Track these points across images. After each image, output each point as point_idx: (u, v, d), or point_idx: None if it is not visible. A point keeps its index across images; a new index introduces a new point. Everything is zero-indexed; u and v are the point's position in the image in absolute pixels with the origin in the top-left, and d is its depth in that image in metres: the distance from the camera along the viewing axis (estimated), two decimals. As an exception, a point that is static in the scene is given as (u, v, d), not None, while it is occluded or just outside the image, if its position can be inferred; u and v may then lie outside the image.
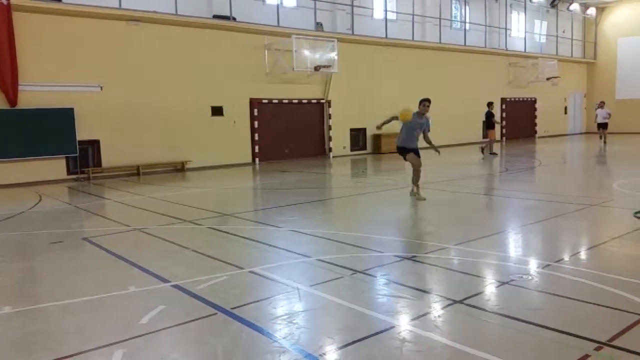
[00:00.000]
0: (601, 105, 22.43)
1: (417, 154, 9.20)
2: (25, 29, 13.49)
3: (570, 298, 4.19)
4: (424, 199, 9.03)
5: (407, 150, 9.20)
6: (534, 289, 4.49)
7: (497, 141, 19.56)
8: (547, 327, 3.59)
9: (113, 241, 6.90)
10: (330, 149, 20.23)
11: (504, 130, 27.34)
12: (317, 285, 4.72)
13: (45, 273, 5.72)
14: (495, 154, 18.73)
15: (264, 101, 18.22)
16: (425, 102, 9.06)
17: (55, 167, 14.35)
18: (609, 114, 22.09)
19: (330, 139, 20.24)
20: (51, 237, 7.22)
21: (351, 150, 20.80)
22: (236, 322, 3.90)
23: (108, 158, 15.10)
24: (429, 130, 9.21)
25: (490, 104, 19.19)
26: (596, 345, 3.30)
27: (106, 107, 14.84)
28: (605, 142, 21.83)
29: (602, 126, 22.21)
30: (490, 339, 3.56)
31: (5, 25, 13.02)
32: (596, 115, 22.50)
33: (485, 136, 19.91)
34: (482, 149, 19.09)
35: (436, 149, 9.44)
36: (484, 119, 19.71)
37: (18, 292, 5.00)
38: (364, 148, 21.30)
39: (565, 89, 30.15)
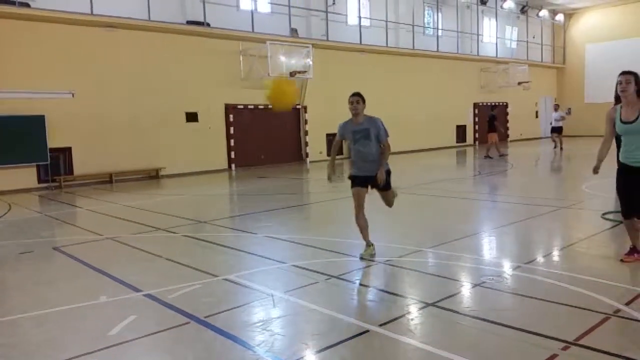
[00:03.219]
0: (555, 107, 21.43)
1: (386, 186, 5.79)
2: (-8, 35, 13.19)
3: (539, 299, 4.28)
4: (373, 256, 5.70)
5: (366, 181, 5.70)
6: (505, 291, 4.57)
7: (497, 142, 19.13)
8: (516, 328, 3.66)
9: (85, 250, 6.77)
10: (307, 154, 20.26)
11: (476, 135, 27.78)
12: (291, 291, 4.72)
13: (14, 284, 5.58)
14: (491, 157, 18.59)
15: (239, 107, 18.16)
16: (352, 99, 5.68)
17: (25, 175, 14.03)
18: (563, 117, 20.80)
19: (306, 144, 20.28)
20: (20, 247, 7.05)
21: (328, 155, 20.86)
22: (209, 330, 3.87)
23: (80, 166, 14.83)
24: (385, 138, 5.74)
25: (494, 108, 19.29)
26: (563, 344, 3.38)
27: (78, 114, 14.58)
28: (561, 148, 20.49)
29: (556, 130, 20.77)
30: (462, 340, 3.61)
31: (-29, 31, 12.71)
32: (552, 120, 21.33)
33: (487, 139, 19.47)
34: (486, 156, 18.80)
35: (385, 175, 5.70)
36: (487, 121, 19.50)
37: (-15, 304, 4.87)
38: (341, 153, 21.38)
39: (536, 93, 30.83)
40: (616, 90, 5.04)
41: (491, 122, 19.05)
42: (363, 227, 5.77)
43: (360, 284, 4.91)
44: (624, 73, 4.95)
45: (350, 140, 5.82)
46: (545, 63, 32.37)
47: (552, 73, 33.32)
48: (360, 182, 5.79)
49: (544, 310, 4.07)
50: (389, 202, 6.17)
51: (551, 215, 8.02)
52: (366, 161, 5.74)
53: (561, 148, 20.65)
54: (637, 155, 4.90)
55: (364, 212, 5.74)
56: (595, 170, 5.37)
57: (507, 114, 29.44)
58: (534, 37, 31.62)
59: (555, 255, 5.89)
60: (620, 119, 4.97)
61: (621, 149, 5.13)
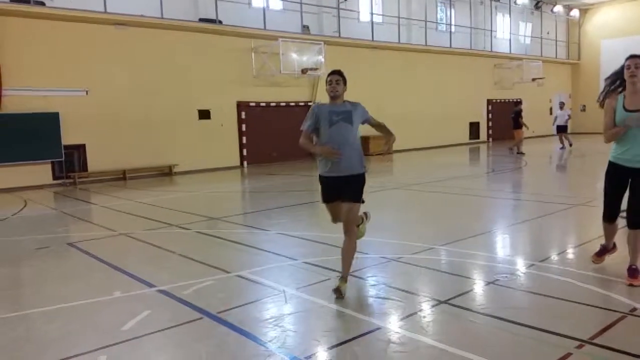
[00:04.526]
0: (561, 105, 20.93)
1: (356, 195, 4.46)
2: (8, 33, 13.34)
3: (554, 297, 4.23)
4: (342, 297, 4.36)
5: (340, 185, 4.48)
6: (518, 289, 4.53)
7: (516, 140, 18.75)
8: (530, 326, 3.62)
9: (99, 246, 6.84)
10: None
11: (490, 132, 27.56)
12: (303, 287, 4.72)
13: (30, 279, 5.65)
14: (519, 153, 18.31)
15: (251, 104, 18.19)
16: (331, 78, 4.57)
17: (40, 172, 14.20)
18: (569, 116, 20.38)
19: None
20: (36, 243, 7.14)
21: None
22: (222, 326, 3.89)
23: (94, 163, 14.97)
24: (372, 121, 4.78)
25: (517, 104, 18.98)
26: (578, 343, 3.34)
27: (92, 112, 14.71)
28: (570, 144, 20.23)
29: (562, 129, 20.46)
30: (475, 338, 3.58)
31: (-12, 29, 12.87)
32: (555, 117, 20.96)
33: (513, 136, 18.85)
34: (511, 149, 18.64)
35: (388, 148, 4.90)
36: (512, 117, 19.05)
37: (2, 298, 4.94)
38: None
39: (550, 90, 30.49)
40: (610, 80, 4.64)
41: (516, 118, 18.67)
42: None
43: (372, 281, 4.90)
44: (633, 56, 4.41)
45: (325, 123, 4.44)
46: (560, 59, 31.99)
47: (567, 69, 32.92)
48: (330, 193, 4.55)
49: (559, 309, 4.03)
50: (349, 223, 4.44)
51: (565, 213, 7.94)
52: (343, 152, 4.37)
53: (570, 144, 20.30)
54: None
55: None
56: (629, 124, 4.37)
57: (520, 110, 29.14)
58: (548, 33, 31.26)
59: (570, 253, 5.83)
60: (624, 107, 4.42)
61: (617, 145, 4.53)
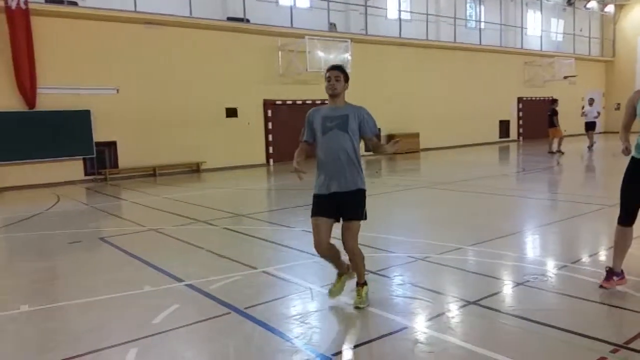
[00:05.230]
0: (590, 102, 19.99)
1: (354, 212, 4.02)
2: (43, 33, 13.69)
3: (586, 299, 4.13)
4: (362, 307, 4.09)
5: (334, 205, 4.01)
6: (549, 290, 4.43)
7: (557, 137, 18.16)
8: (562, 329, 3.54)
9: (129, 241, 6.97)
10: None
11: (520, 130, 27.06)
12: (329, 285, 4.70)
13: (63, 272, 5.81)
14: (555, 152, 17.83)
15: (277, 102, 18.27)
16: (330, 74, 4.04)
17: (72, 168, 14.55)
18: (599, 113, 19.56)
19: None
20: (69, 237, 7.33)
21: (365, 150, 20.73)
22: (249, 321, 3.92)
23: (125, 159, 15.26)
24: (375, 132, 4.17)
25: (554, 102, 18.52)
26: (612, 347, 3.25)
27: (122, 109, 15.00)
28: (591, 144, 19.40)
29: (590, 126, 19.67)
30: (504, 340, 3.52)
31: (23, 29, 13.24)
32: (583, 114, 19.96)
33: (548, 134, 18.30)
34: (552, 150, 18.08)
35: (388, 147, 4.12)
36: (548, 115, 18.46)
37: (36, 291, 5.08)
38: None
39: (583, 88, 29.74)
40: None
41: (551, 117, 18.14)
42: (330, 261, 4.21)
43: (399, 280, 4.86)
44: None
45: (319, 130, 4.00)
46: (593, 56, 31.17)
47: (600, 67, 32.05)
48: (324, 207, 3.97)
49: (592, 312, 3.93)
50: (347, 242, 4.01)
51: (597, 214, 7.74)
52: (336, 165, 3.90)
53: (591, 144, 19.49)
54: None
55: (328, 246, 4.07)
56: (626, 151, 4.38)
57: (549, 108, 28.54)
58: (581, 30, 30.49)
59: (602, 255, 5.67)
60: None
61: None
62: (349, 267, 4.22)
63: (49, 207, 10.31)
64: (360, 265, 4.16)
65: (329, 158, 3.95)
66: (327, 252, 4.08)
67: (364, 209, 4.05)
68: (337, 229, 4.06)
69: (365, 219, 4.09)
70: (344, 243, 4.05)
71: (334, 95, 4.02)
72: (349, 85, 4.13)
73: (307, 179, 3.99)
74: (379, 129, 4.05)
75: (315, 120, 4.06)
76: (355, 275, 4.20)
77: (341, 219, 4.03)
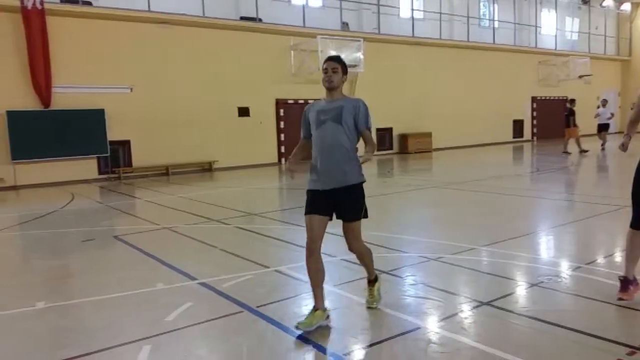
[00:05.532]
0: (603, 103, 19.62)
1: (353, 212, 3.79)
2: (58, 33, 13.86)
3: (602, 301, 4.07)
4: (375, 306, 4.06)
5: (329, 203, 3.75)
6: (564, 291, 4.39)
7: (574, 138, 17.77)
8: (577, 330, 3.51)
9: (143, 239, 7.03)
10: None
11: (534, 130, 26.82)
12: (341, 284, 4.71)
13: (77, 270, 5.87)
14: (581, 152, 17.64)
15: (289, 102, 18.30)
16: (327, 65, 3.83)
17: (87, 167, 14.71)
18: (612, 114, 19.22)
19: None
20: (83, 235, 7.40)
21: (378, 150, 20.70)
22: (262, 320, 3.93)
23: (138, 158, 15.39)
24: (365, 126, 3.90)
25: (572, 102, 18.14)
26: (629, 349, 3.21)
27: (136, 108, 15.13)
28: (602, 145, 18.87)
29: (603, 128, 19.25)
30: (519, 341, 3.49)
31: (39, 29, 13.42)
32: (597, 115, 19.45)
33: (569, 134, 17.97)
34: (580, 150, 17.79)
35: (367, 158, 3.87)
36: (565, 115, 18.24)
37: (51, 288, 5.14)
38: (391, 148, 21.18)
39: (598, 87, 29.39)
40: None
41: (567, 117, 17.88)
42: (314, 278, 3.74)
43: (411, 281, 4.84)
44: None
45: (314, 125, 3.82)
46: (609, 55, 30.80)
47: (616, 66, 31.65)
48: (318, 204, 3.72)
49: (607, 313, 3.88)
50: (352, 243, 3.87)
51: (612, 215, 7.63)
52: (330, 160, 3.68)
53: (602, 144, 19.01)
54: None
55: (319, 252, 3.75)
56: (623, 147, 4.22)
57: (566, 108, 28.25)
58: (596, 28, 30.13)
59: (618, 256, 5.59)
60: None
61: None
62: (325, 307, 3.77)
63: (64, 205, 10.42)
64: (370, 262, 4.05)
65: (323, 152, 3.73)
66: (316, 263, 3.70)
67: (363, 206, 3.79)
68: (337, 227, 3.92)
69: (366, 217, 3.84)
70: (348, 246, 3.92)
71: (331, 88, 3.80)
72: (347, 78, 3.91)
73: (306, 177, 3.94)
74: (371, 125, 3.91)
75: (310, 115, 3.89)
76: (321, 322, 3.69)
77: (341, 220, 3.81)
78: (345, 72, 3.84)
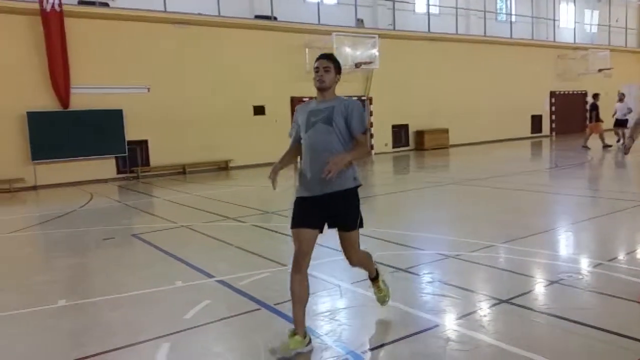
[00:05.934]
0: (621, 97, 18.70)
1: (349, 220, 3.48)
2: (76, 34, 14.03)
3: (624, 298, 4.00)
4: (387, 302, 3.99)
5: (318, 212, 3.43)
6: (585, 289, 4.32)
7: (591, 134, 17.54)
8: (598, 328, 3.45)
9: (161, 237, 7.09)
10: (372, 146, 20.12)
11: (553, 125, 26.45)
12: (358, 282, 4.69)
13: (97, 268, 5.94)
14: (604, 147, 17.31)
15: (304, 99, 18.28)
16: (318, 64, 3.56)
17: (105, 166, 14.89)
18: (630, 109, 18.37)
19: (371, 135, 20.13)
20: (102, 234, 7.50)
21: (393, 147, 20.59)
22: (279, 317, 3.94)
23: (156, 157, 15.54)
24: (360, 130, 3.44)
25: (596, 96, 17.71)
26: (653, 348, 3.15)
27: (153, 108, 15.27)
28: (618, 141, 18.22)
29: (621, 123, 18.27)
30: (539, 339, 3.45)
31: (58, 30, 13.60)
32: (615, 111, 18.59)
33: (591, 129, 17.61)
34: (604, 145, 17.47)
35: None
36: (589, 110, 17.84)
37: (72, 286, 5.22)
38: (407, 145, 21.06)
39: (619, 81, 28.81)
40: None
41: (591, 112, 17.53)
42: (298, 296, 3.35)
43: (429, 278, 4.81)
44: None
45: (303, 126, 3.53)
46: (630, 48, 30.18)
47: (637, 59, 30.98)
48: (307, 213, 3.40)
49: (630, 311, 3.81)
50: (352, 254, 3.61)
51: (633, 211, 7.50)
52: (319, 163, 3.28)
53: (617, 141, 18.46)
54: None
55: (306, 270, 3.39)
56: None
57: (586, 102, 27.79)
58: (617, 21, 29.56)
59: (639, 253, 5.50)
60: None
61: None
62: (306, 333, 3.39)
63: (83, 205, 10.56)
64: (370, 264, 3.84)
65: (313, 155, 3.40)
66: (302, 280, 3.34)
67: (358, 215, 3.47)
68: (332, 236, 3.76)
69: (362, 226, 3.52)
70: (348, 260, 3.66)
71: (322, 88, 3.50)
72: (340, 78, 3.59)
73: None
74: (367, 129, 3.52)
75: (301, 116, 3.57)
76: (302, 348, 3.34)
77: (337, 229, 3.50)
78: (338, 71, 3.55)
